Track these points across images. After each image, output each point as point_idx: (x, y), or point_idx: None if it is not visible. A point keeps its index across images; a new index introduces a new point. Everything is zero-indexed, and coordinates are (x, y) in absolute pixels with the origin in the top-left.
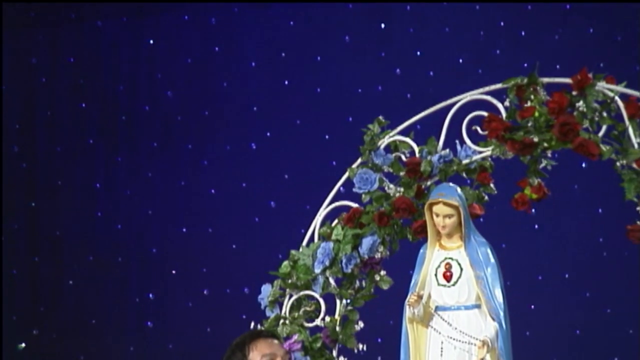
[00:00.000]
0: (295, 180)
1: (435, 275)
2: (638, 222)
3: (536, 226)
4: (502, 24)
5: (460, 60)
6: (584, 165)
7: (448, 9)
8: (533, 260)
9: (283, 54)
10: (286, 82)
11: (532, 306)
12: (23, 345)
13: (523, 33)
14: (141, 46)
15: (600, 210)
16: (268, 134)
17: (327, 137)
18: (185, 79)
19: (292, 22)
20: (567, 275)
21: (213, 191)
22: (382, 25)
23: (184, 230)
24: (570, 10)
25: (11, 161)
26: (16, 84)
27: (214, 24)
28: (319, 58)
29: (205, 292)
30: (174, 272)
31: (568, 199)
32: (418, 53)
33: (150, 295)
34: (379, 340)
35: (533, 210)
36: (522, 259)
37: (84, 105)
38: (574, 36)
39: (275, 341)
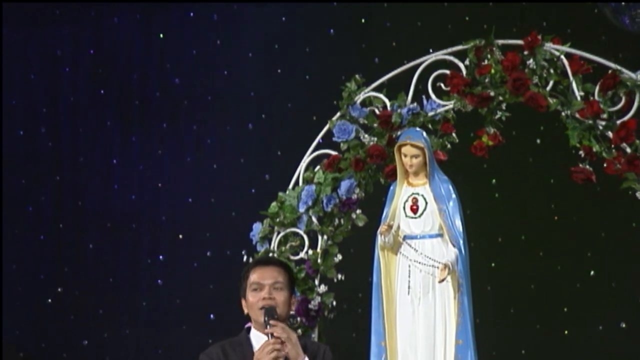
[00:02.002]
0: (287, 156)
1: (404, 208)
2: (580, 165)
3: (497, 195)
4: (467, 18)
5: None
6: (538, 141)
7: (420, 6)
8: (494, 224)
9: (276, 46)
10: (279, 71)
11: (493, 264)
12: (49, 301)
13: (485, 26)
14: (152, 40)
15: (552, 181)
16: (263, 116)
17: (314, 118)
18: (190, 68)
19: (284, 18)
20: (523, 237)
21: (215, 166)
22: (363, 20)
23: (190, 200)
24: (526, 7)
25: (39, 141)
26: (43, 73)
27: (216, 19)
28: (307, 49)
29: (208, 253)
30: (181, 236)
31: (524, 171)
32: (394, 44)
33: (161, 257)
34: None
35: (494, 180)
36: (485, 224)
37: (102, 91)
38: (530, 29)
39: (268, 269)
